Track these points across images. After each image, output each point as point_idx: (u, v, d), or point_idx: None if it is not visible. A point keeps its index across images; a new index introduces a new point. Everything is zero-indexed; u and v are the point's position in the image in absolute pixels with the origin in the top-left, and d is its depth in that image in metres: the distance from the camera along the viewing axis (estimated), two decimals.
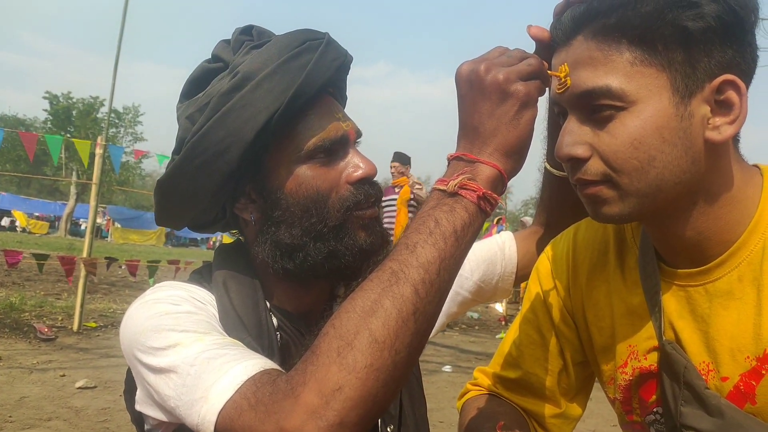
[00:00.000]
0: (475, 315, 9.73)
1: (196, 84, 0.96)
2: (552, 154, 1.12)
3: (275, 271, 0.93)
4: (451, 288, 0.70)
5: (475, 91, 0.72)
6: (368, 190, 0.94)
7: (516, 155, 0.73)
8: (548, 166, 1.14)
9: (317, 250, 0.91)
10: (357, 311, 0.64)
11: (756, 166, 0.83)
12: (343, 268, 0.93)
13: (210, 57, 0.98)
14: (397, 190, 7.16)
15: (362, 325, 0.63)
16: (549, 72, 0.76)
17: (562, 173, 1.10)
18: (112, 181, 32.03)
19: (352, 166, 0.94)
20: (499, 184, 0.72)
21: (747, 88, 0.74)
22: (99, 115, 41.23)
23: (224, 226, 1.02)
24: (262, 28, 0.98)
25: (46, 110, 43.32)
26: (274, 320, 0.95)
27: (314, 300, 1.01)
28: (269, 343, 0.91)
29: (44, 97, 43.00)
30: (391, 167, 7.18)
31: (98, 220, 29.58)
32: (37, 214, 38.22)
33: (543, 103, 1.06)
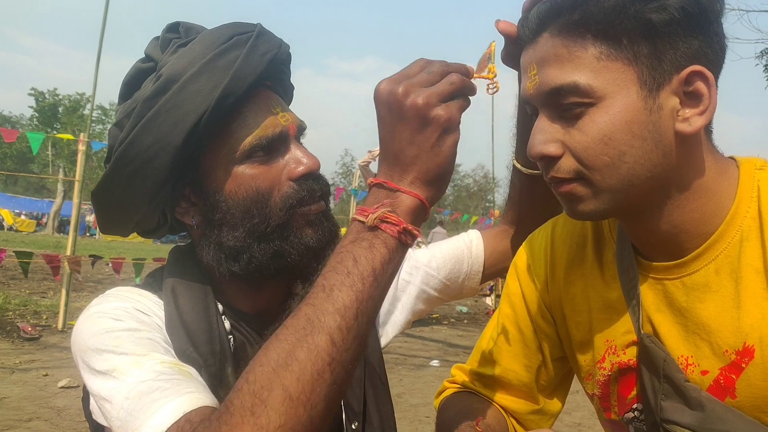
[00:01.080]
0: (464, 309, 9.76)
1: (130, 86, 0.92)
2: (521, 152, 1.11)
3: (221, 274, 0.90)
4: (370, 329, 0.68)
5: (395, 115, 0.68)
6: (312, 185, 0.91)
7: (438, 182, 0.69)
8: (517, 164, 1.13)
9: (262, 250, 0.88)
10: (271, 364, 0.62)
11: (732, 158, 0.82)
12: (291, 268, 0.90)
13: (144, 56, 0.94)
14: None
15: (276, 381, 0.60)
16: (476, 76, 0.74)
17: (530, 171, 1.10)
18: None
19: (294, 161, 0.90)
20: (421, 213, 0.69)
21: (717, 78, 0.73)
22: (85, 112, 41.11)
23: (171, 230, 0.99)
24: (190, 24, 0.94)
25: (32, 107, 43.17)
26: (227, 323, 0.93)
27: (269, 299, 0.98)
28: (221, 348, 0.88)
29: (30, 94, 42.90)
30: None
31: (88, 218, 29.67)
32: (24, 212, 38.03)
33: (512, 100, 1.05)
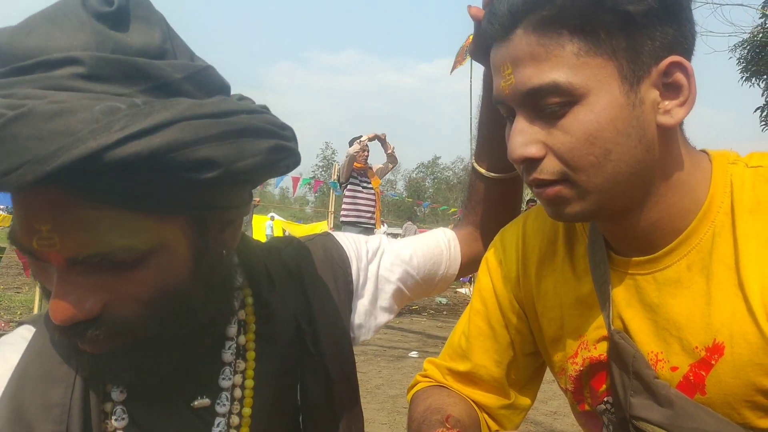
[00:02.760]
0: (444, 300, 9.79)
1: None
2: (484, 156, 1.10)
3: None
4: None
5: None
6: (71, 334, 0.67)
7: None
8: (480, 168, 1.11)
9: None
10: None
11: (704, 151, 0.81)
12: None
13: None
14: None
15: None
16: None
17: (493, 175, 1.08)
18: None
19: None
20: None
21: (691, 65, 0.72)
22: None
23: None
24: None
25: None
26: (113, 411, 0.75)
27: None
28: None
29: None
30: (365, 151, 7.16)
31: None
32: (0, 206, 37.30)
33: (474, 101, 1.02)
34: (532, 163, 0.73)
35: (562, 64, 0.69)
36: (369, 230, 7.21)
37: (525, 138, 0.72)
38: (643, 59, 0.69)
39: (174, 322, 0.69)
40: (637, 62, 0.69)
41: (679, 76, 0.70)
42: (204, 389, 0.78)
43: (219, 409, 0.78)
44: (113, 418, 0.74)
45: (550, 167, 0.72)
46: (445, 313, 8.87)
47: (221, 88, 0.69)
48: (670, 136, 0.74)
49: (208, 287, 0.72)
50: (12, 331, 0.80)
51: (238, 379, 0.80)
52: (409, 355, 5.76)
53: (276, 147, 0.66)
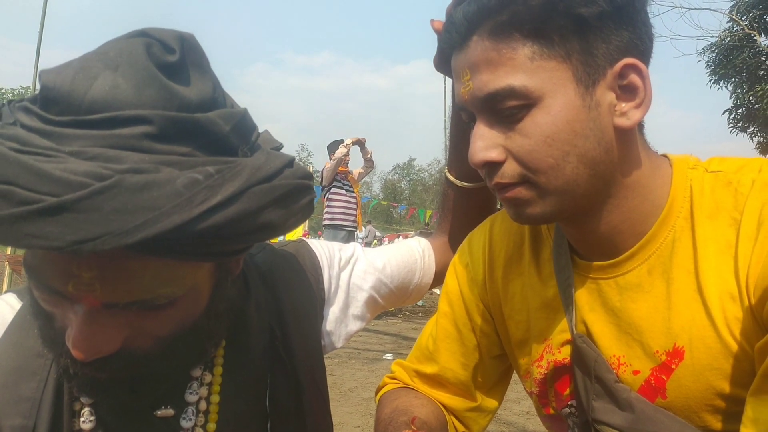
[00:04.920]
0: (420, 302, 9.80)
1: None
2: (453, 164, 1.10)
3: None
4: None
5: None
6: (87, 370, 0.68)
7: None
8: (450, 177, 1.11)
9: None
10: None
11: (665, 155, 0.82)
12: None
13: None
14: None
15: None
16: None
17: (464, 184, 1.09)
18: None
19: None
20: None
21: (647, 68, 0.72)
22: None
23: None
24: None
25: None
26: (87, 414, 0.75)
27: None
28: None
29: None
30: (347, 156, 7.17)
31: None
32: None
33: (449, 102, 1.03)
34: (493, 167, 0.74)
35: (518, 69, 0.69)
36: (352, 233, 7.22)
37: (485, 142, 0.73)
38: (597, 62, 0.70)
39: (184, 354, 0.71)
40: (592, 65, 0.70)
41: (635, 78, 0.71)
42: (170, 401, 0.78)
43: (184, 423, 0.77)
44: (81, 419, 0.74)
45: (510, 170, 0.73)
46: (420, 314, 8.88)
47: (252, 130, 0.70)
48: (629, 138, 0.74)
49: (217, 317, 0.74)
50: None
51: (204, 391, 0.79)
52: (384, 357, 5.75)
53: (311, 201, 0.69)
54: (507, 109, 0.70)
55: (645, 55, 0.72)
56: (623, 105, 0.72)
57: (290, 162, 0.67)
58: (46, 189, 0.53)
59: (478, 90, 0.72)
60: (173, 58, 0.63)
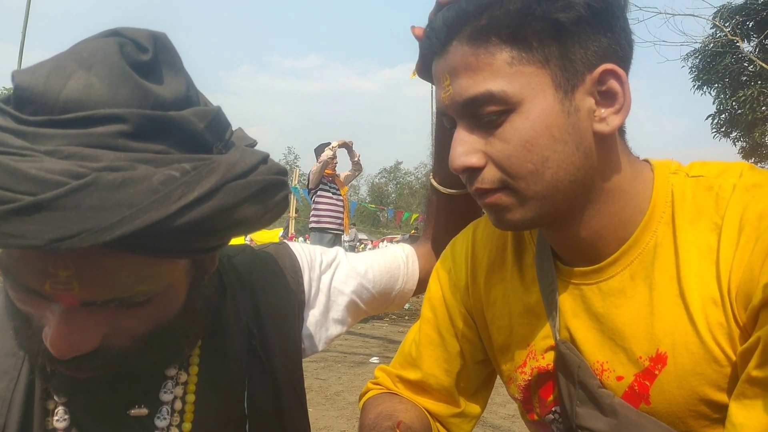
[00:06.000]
0: (406, 306, 9.79)
1: None
2: (438, 171, 1.10)
3: None
4: None
5: None
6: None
7: None
8: (434, 183, 1.11)
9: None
10: None
11: (646, 160, 0.82)
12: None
13: None
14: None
15: None
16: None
17: (448, 190, 1.08)
18: None
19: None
20: None
21: (627, 74, 0.72)
22: None
23: None
24: None
25: None
26: (61, 415, 0.74)
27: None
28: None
29: None
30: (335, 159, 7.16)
31: None
32: None
33: (432, 116, 1.03)
34: (473, 172, 0.73)
35: (496, 73, 0.69)
36: (338, 237, 7.20)
37: (465, 148, 0.73)
38: (576, 67, 0.70)
39: (161, 352, 0.72)
40: (570, 70, 0.69)
41: (613, 84, 0.71)
42: (144, 400, 0.78)
43: (159, 422, 0.77)
44: (55, 418, 0.74)
45: (490, 176, 0.72)
46: (407, 318, 8.87)
47: (226, 127, 0.71)
48: (609, 143, 0.74)
49: (193, 315, 0.74)
50: None
51: (179, 391, 0.79)
52: (370, 360, 5.74)
53: (286, 197, 0.69)
54: (486, 114, 0.70)
55: (624, 61, 0.72)
56: (602, 110, 0.72)
57: (264, 158, 0.68)
58: (22, 188, 0.53)
59: (457, 95, 0.72)
60: (146, 57, 0.63)
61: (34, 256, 0.60)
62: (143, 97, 0.60)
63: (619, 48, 0.71)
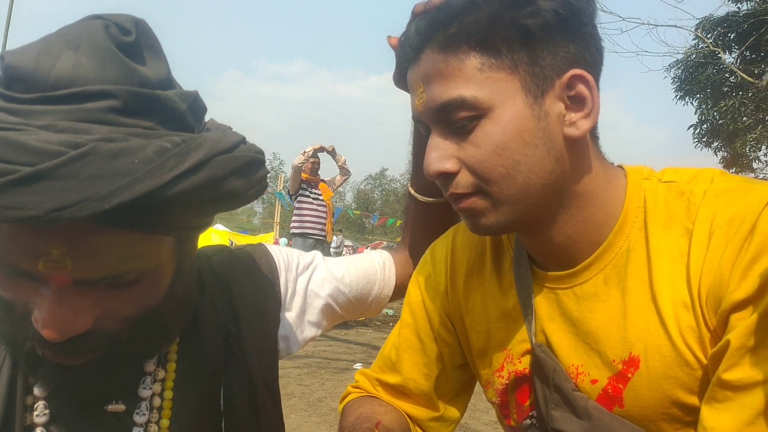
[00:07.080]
0: (390, 312, 9.79)
1: None
2: (416, 179, 1.12)
3: None
4: None
5: None
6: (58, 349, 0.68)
7: None
8: (412, 191, 1.12)
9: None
10: None
11: (620, 166, 0.83)
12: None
13: None
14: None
15: None
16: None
17: (425, 198, 1.10)
18: None
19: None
20: None
21: (597, 79, 0.74)
22: None
23: None
24: None
25: None
26: (41, 409, 0.74)
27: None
28: None
29: None
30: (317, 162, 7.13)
31: None
32: None
33: (408, 126, 1.04)
34: (448, 177, 0.74)
35: (467, 79, 0.70)
36: (321, 242, 7.17)
37: (439, 153, 0.74)
38: (545, 72, 0.71)
39: (148, 336, 0.73)
40: (540, 75, 0.71)
41: (582, 89, 0.72)
42: (122, 396, 0.78)
43: (138, 418, 0.78)
44: (35, 413, 0.73)
45: (464, 181, 0.74)
46: (391, 324, 8.86)
47: (204, 111, 0.73)
48: (580, 148, 0.76)
49: (178, 300, 0.75)
50: None
51: (157, 387, 0.80)
52: (354, 367, 5.72)
53: (265, 176, 0.71)
54: (459, 120, 0.72)
55: (593, 66, 0.74)
56: (572, 115, 0.73)
57: (243, 139, 0.70)
58: (21, 159, 0.53)
59: (431, 101, 0.73)
60: (130, 38, 0.65)
61: (25, 235, 0.60)
62: (129, 75, 0.62)
63: (587, 54, 0.73)
